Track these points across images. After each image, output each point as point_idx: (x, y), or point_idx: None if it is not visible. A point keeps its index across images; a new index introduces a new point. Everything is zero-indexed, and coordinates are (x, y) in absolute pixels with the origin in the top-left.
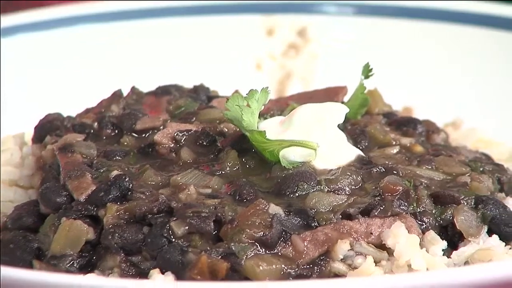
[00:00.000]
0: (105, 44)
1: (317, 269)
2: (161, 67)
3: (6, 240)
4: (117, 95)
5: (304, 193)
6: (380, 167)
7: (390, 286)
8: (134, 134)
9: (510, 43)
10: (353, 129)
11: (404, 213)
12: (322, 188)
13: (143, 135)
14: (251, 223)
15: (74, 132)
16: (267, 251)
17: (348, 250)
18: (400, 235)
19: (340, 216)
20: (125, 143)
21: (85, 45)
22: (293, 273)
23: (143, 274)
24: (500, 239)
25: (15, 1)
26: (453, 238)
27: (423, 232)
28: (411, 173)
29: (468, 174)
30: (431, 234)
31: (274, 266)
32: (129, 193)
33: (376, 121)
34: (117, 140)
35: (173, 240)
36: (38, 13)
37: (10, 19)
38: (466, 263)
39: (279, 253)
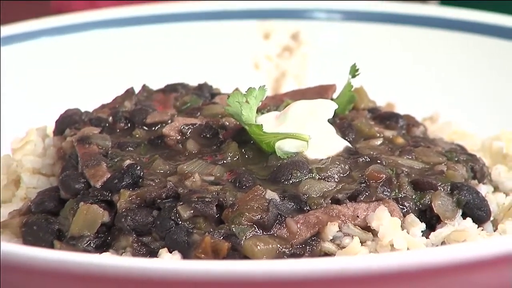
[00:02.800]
0: (119, 47)
1: (309, 249)
2: (169, 67)
3: (30, 222)
4: (129, 92)
5: (297, 180)
6: (365, 157)
7: (375, 264)
8: (144, 128)
9: (479, 45)
10: (341, 123)
11: (387, 198)
12: (313, 175)
13: (153, 128)
14: (249, 207)
15: (91, 126)
16: (264, 232)
17: (337, 232)
18: (384, 218)
19: (330, 201)
20: (137, 136)
21: (101, 48)
22: (287, 252)
23: (153, 253)
24: (473, 221)
25: None
26: (431, 221)
27: (404, 215)
28: (393, 162)
29: (445, 163)
30: (411, 217)
31: (270, 245)
32: (140, 180)
33: (362, 115)
34: (129, 132)
35: (180, 222)
36: (61, 18)
37: (35, 24)
38: (443, 243)
39: (275, 234)
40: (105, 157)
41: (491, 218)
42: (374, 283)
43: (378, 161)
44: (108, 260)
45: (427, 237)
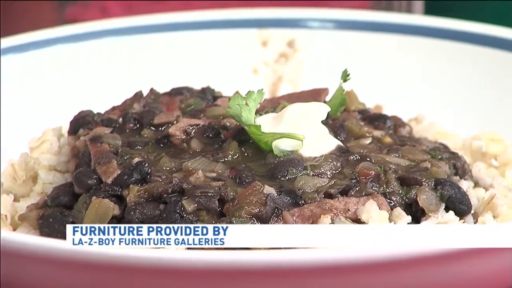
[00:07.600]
0: (129, 54)
1: None
2: (175, 72)
3: (46, 215)
4: (138, 95)
5: (293, 176)
6: (356, 155)
7: (365, 253)
8: (152, 128)
9: (461, 52)
10: (333, 123)
11: (376, 193)
12: (308, 172)
13: (160, 128)
14: (249, 201)
15: (103, 126)
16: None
17: (329, 224)
18: (373, 211)
19: (323, 196)
20: (145, 135)
21: (112, 54)
22: None
23: None
24: (455, 214)
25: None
26: (416, 214)
27: (392, 209)
28: (382, 160)
29: (429, 160)
30: (398, 210)
31: None
32: (148, 176)
33: (353, 117)
34: (138, 132)
35: (184, 215)
36: (75, 27)
37: (51, 33)
38: None
39: None
40: (116, 155)
41: (472, 212)
42: (361, 271)
43: (368, 159)
44: (116, 251)
45: None
